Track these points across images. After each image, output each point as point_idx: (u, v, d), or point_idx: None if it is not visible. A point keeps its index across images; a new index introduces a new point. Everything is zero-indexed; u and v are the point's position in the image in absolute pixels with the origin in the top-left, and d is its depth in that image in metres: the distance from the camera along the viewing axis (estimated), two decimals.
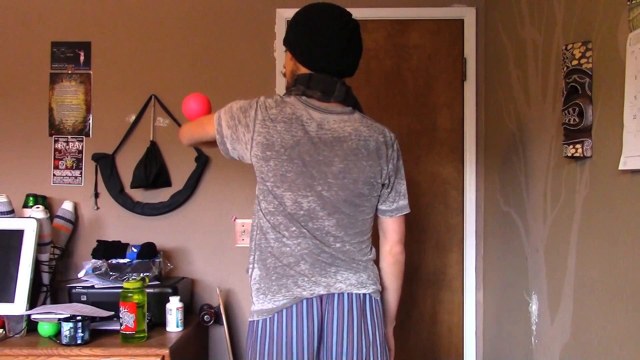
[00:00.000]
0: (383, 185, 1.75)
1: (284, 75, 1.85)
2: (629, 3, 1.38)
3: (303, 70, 1.73)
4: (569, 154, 1.66)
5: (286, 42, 1.78)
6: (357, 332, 1.67)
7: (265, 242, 1.68)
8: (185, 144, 1.89)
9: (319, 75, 1.70)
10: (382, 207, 1.78)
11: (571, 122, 1.63)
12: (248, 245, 1.94)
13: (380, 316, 1.76)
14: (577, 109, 1.60)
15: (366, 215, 1.74)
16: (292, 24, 1.76)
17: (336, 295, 1.67)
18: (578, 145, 1.61)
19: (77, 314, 2.16)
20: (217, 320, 2.55)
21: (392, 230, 1.81)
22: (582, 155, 1.61)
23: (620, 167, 1.39)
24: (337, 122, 1.68)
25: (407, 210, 1.81)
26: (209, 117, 1.76)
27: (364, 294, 1.71)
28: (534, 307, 2.04)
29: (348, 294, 1.68)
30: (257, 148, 1.64)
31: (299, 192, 1.64)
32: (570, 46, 1.66)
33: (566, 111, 1.66)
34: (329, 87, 1.68)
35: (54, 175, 2.76)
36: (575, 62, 1.63)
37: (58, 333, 2.16)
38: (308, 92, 1.68)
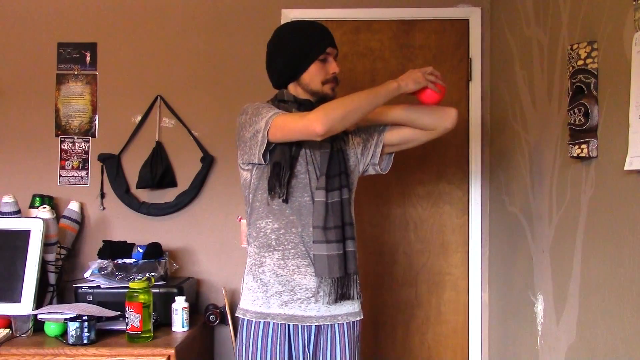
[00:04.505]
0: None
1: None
2: (634, 3, 1.37)
3: None
4: (575, 154, 1.66)
5: None
6: None
7: None
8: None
9: None
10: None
11: (577, 122, 1.63)
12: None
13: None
14: (582, 109, 1.60)
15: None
16: None
17: None
18: (584, 146, 1.61)
19: (83, 313, 2.17)
20: (223, 320, 2.56)
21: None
22: (587, 156, 1.60)
23: (626, 167, 1.39)
24: None
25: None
26: None
27: None
28: (539, 308, 2.04)
29: None
30: None
31: None
32: (575, 46, 1.66)
33: (572, 111, 1.66)
34: None
35: (60, 175, 2.77)
36: (580, 62, 1.63)
37: (64, 333, 2.17)
38: None
